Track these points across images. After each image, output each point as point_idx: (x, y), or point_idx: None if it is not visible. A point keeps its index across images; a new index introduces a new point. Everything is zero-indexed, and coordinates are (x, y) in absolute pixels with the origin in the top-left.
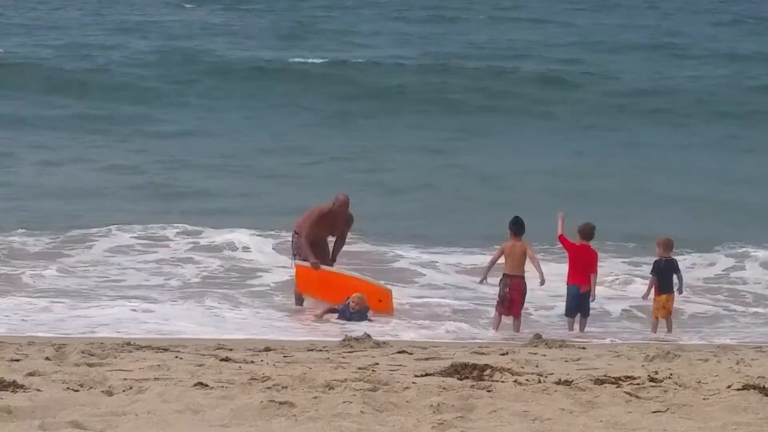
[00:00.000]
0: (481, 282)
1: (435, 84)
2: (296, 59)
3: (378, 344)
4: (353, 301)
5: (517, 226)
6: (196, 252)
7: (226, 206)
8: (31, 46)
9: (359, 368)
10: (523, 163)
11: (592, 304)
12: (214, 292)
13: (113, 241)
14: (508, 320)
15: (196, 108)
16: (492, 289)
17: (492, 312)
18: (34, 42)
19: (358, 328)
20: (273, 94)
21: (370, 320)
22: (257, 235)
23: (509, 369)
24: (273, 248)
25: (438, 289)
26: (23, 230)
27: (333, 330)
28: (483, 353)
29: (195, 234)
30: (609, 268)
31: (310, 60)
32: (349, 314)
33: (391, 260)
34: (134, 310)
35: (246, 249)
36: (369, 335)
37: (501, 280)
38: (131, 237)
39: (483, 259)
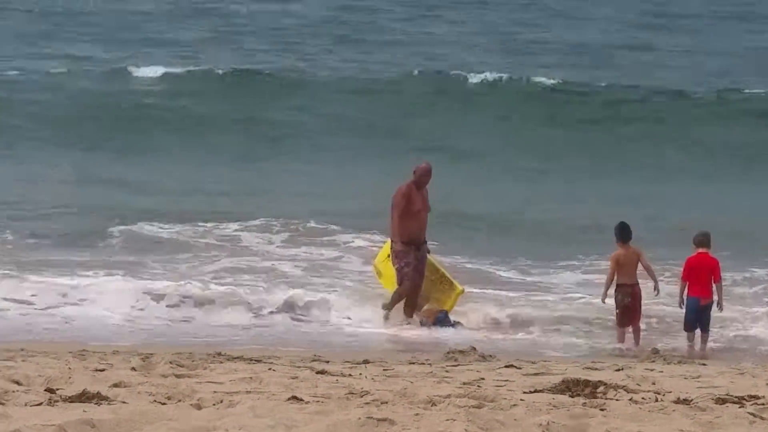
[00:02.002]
0: (603, 300)
1: None
2: None
3: (484, 357)
4: (424, 314)
5: (624, 232)
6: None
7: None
8: None
9: (464, 383)
10: None
11: (716, 315)
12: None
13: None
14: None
15: None
16: (597, 299)
17: (607, 323)
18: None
19: (460, 339)
20: None
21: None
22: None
23: (624, 386)
24: None
25: (547, 300)
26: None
27: (433, 341)
28: (596, 369)
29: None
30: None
31: None
32: (448, 321)
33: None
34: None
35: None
36: (474, 348)
37: (617, 291)
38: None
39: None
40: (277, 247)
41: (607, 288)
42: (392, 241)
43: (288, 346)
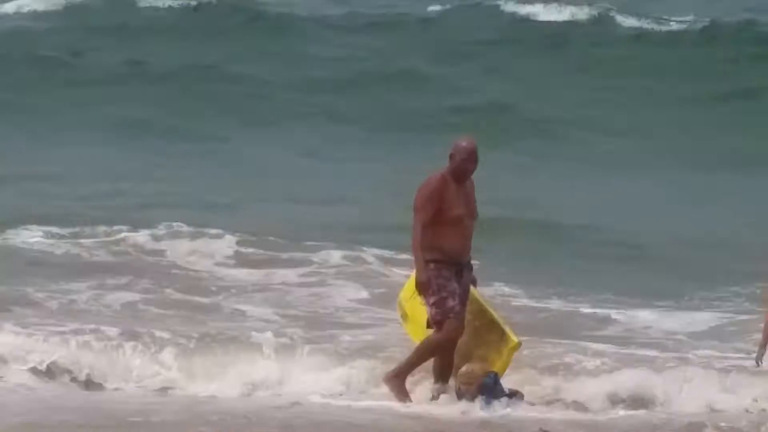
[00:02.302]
0: (758, 362)
1: None
2: None
3: None
4: (461, 380)
5: None
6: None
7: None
8: None
9: None
10: None
11: None
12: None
13: None
14: None
15: None
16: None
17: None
18: None
19: (520, 419)
20: None
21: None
22: None
23: None
24: None
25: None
26: None
27: (477, 422)
28: None
29: None
30: None
31: None
32: (501, 389)
33: None
34: None
35: None
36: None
37: None
38: None
39: None
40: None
41: (763, 347)
42: (417, 264)
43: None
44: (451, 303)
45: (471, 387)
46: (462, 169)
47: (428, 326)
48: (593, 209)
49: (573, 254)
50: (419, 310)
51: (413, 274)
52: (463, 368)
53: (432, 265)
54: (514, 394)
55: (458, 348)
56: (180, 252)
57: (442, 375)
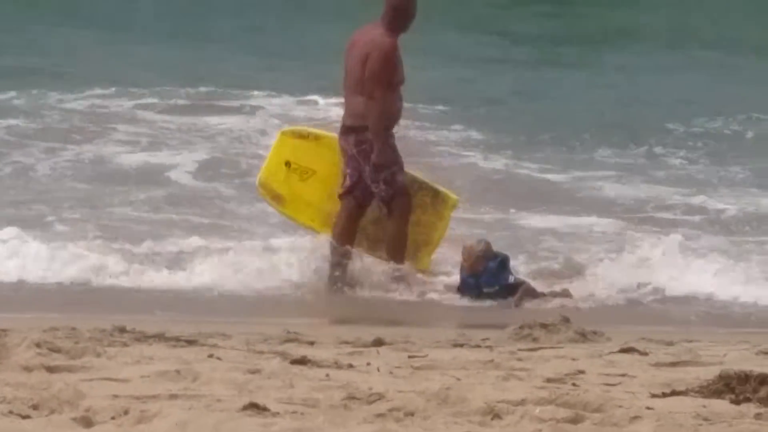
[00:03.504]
0: None
1: None
2: None
3: (584, 335)
4: (463, 255)
5: None
6: None
7: None
8: None
9: (548, 380)
10: None
11: None
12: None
13: None
14: None
15: None
16: None
17: None
18: None
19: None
20: None
21: (515, 280)
22: None
23: None
24: None
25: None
26: None
27: (493, 308)
28: None
29: None
30: None
31: None
32: (469, 278)
33: None
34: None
35: None
36: (567, 319)
37: None
38: None
39: None
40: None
41: None
42: (378, 143)
43: (243, 316)
44: (400, 178)
45: (468, 263)
46: (408, 18)
47: (340, 197)
48: None
49: None
50: (301, 187)
51: (272, 149)
52: (466, 244)
53: (384, 133)
54: (519, 281)
55: (375, 219)
56: None
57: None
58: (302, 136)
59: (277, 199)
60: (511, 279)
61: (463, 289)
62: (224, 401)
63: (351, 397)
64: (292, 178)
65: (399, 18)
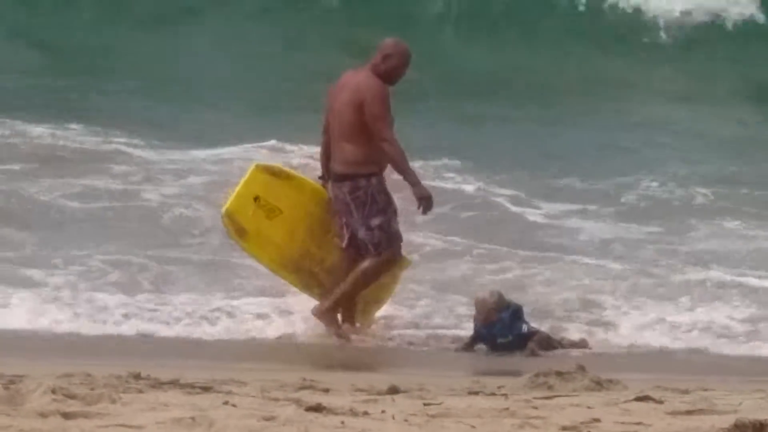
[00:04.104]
0: None
1: None
2: None
3: (599, 383)
4: (476, 307)
5: None
6: None
7: None
8: None
9: (563, 428)
10: None
11: None
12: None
13: None
14: None
15: None
16: None
17: None
18: None
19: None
20: None
21: (529, 329)
22: None
23: None
24: None
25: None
26: None
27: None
28: None
29: None
30: None
31: None
32: (482, 329)
33: None
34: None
35: None
36: (582, 367)
37: None
38: None
39: None
40: None
41: None
42: (410, 178)
43: (258, 362)
44: (395, 226)
45: (481, 317)
46: (400, 74)
47: (346, 249)
48: None
49: None
50: (267, 225)
51: (243, 181)
52: (478, 296)
53: (374, 180)
54: (532, 330)
55: (332, 271)
56: None
57: (347, 312)
58: (275, 173)
59: (240, 232)
60: (525, 328)
61: (477, 340)
62: None
63: None
64: (258, 215)
65: (390, 73)
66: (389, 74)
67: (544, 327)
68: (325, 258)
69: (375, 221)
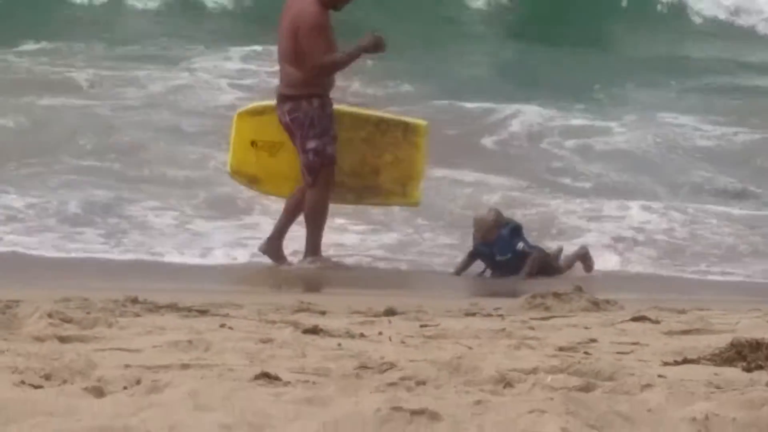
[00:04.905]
0: None
1: None
2: None
3: (596, 304)
4: (475, 225)
5: None
6: None
7: None
8: None
9: (559, 349)
10: None
11: None
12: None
13: None
14: None
15: None
16: None
17: None
18: None
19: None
20: None
21: (527, 247)
22: None
23: None
24: None
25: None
26: None
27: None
28: None
29: None
30: None
31: None
32: (481, 246)
33: None
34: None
35: None
36: (580, 288)
37: None
38: None
39: None
40: None
41: None
42: (351, 57)
43: (254, 285)
44: (330, 150)
45: (479, 234)
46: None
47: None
48: None
49: None
50: (274, 163)
51: (233, 134)
52: (476, 215)
53: (315, 102)
54: (533, 248)
55: (353, 171)
56: None
57: (283, 231)
58: (258, 112)
59: (253, 180)
60: (522, 246)
61: (475, 257)
62: (236, 371)
63: (363, 366)
64: (261, 157)
65: None
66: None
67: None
68: (340, 164)
69: (311, 144)
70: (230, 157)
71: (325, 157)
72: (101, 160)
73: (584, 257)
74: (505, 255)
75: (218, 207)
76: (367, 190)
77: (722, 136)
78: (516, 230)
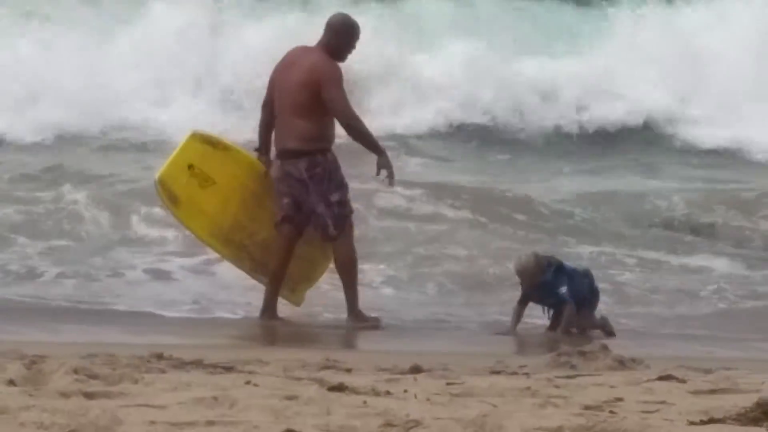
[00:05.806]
0: None
1: None
2: None
3: (622, 362)
4: (519, 277)
5: None
6: None
7: None
8: None
9: (586, 407)
10: None
11: None
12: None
13: None
14: None
15: None
16: None
17: None
18: None
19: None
20: None
21: (568, 294)
22: None
23: None
24: None
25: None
26: None
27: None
28: None
29: None
30: None
31: None
32: (531, 291)
33: None
34: None
35: None
36: (606, 347)
37: None
38: None
39: None
40: None
41: None
42: (373, 146)
43: (280, 344)
44: (350, 200)
45: (526, 283)
46: (350, 50)
47: (278, 226)
48: None
49: None
50: (199, 194)
51: (179, 149)
52: (515, 267)
53: (330, 156)
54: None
55: (266, 246)
56: None
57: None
58: (212, 143)
59: (173, 200)
60: (564, 291)
61: (527, 299)
62: (261, 428)
63: (388, 424)
64: (192, 183)
65: (342, 50)
66: (340, 51)
67: None
68: (257, 231)
69: (334, 197)
70: (164, 167)
71: (349, 208)
72: None
73: (603, 326)
74: (550, 300)
75: None
76: (264, 267)
77: None
78: (558, 271)
